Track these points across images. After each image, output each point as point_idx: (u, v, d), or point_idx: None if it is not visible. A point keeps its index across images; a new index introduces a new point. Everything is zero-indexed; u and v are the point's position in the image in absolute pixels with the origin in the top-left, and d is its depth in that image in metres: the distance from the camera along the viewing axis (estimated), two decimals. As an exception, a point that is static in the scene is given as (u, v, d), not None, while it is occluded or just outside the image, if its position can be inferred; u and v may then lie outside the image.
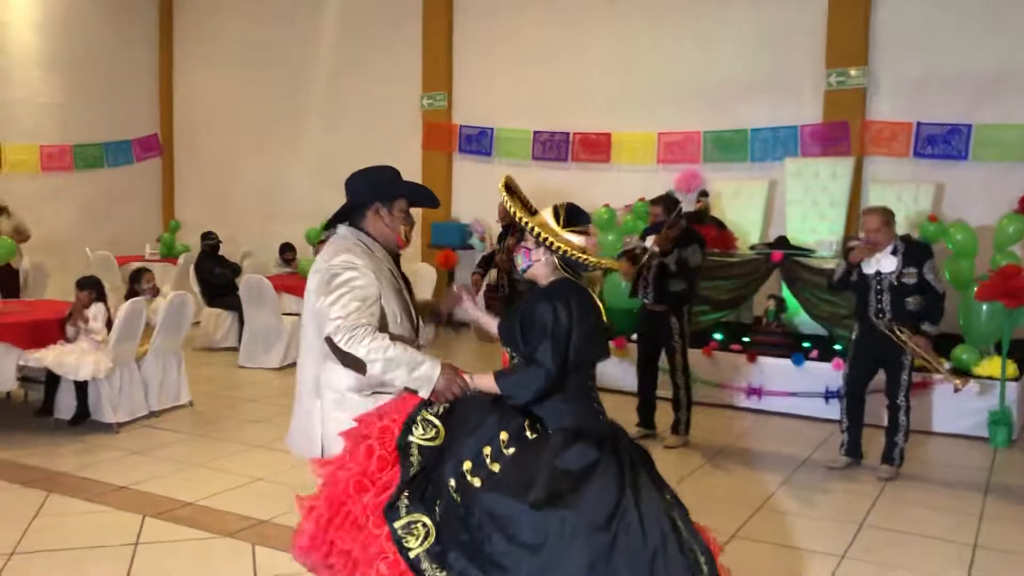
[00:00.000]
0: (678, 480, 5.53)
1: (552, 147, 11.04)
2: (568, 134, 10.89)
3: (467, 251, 11.50)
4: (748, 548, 4.49)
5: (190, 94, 14.05)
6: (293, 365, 8.77)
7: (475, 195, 11.54)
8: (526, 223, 2.83)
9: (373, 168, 3.13)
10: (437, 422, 2.77)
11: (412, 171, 11.61)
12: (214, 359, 9.06)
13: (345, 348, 2.76)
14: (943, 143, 8.98)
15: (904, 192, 8.54)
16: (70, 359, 6.16)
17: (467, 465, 2.65)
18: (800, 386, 7.15)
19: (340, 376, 2.93)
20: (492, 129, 11.42)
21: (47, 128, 12.34)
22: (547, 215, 2.91)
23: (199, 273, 9.71)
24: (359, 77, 12.35)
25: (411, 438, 2.73)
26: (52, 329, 6.39)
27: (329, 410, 2.97)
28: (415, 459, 2.69)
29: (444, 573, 2.52)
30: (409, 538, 2.57)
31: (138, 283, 6.90)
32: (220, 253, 9.94)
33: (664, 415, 6.50)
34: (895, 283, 5.51)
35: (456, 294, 3.26)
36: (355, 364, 2.81)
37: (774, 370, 7.31)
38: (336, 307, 2.80)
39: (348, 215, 3.09)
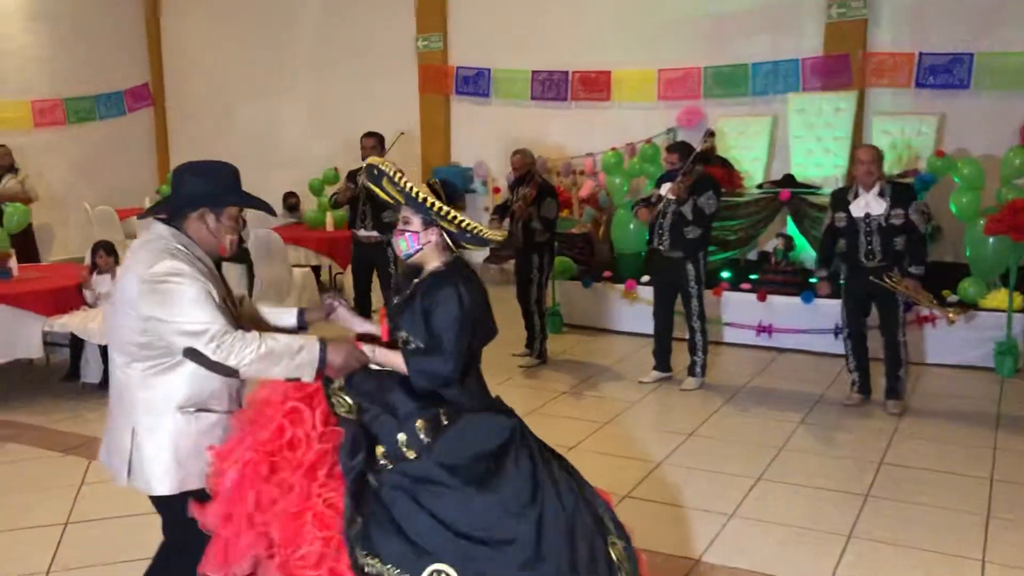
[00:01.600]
0: (700, 423, 5.70)
1: (551, 86, 10.96)
2: (567, 73, 10.80)
3: (470, 195, 11.49)
4: (776, 490, 4.66)
5: (178, 41, 13.81)
6: (306, 317, 8.94)
7: (475, 138, 11.50)
8: (439, 208, 2.68)
9: (208, 167, 2.79)
10: (346, 396, 2.70)
11: (409, 115, 11.59)
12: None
13: (215, 359, 2.53)
14: (945, 73, 8.97)
15: (907, 125, 8.57)
16: (94, 324, 6.21)
17: (380, 450, 2.61)
18: (809, 323, 7.29)
19: (157, 392, 2.65)
20: (489, 70, 11.32)
21: (37, 82, 12.13)
22: (426, 194, 2.77)
23: (205, 228, 9.69)
24: (352, 20, 12.16)
25: (339, 412, 2.65)
26: (72, 294, 6.45)
27: (143, 431, 2.67)
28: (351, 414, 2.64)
29: (375, 559, 2.45)
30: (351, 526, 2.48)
31: (97, 256, 6.63)
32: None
33: (680, 357, 6.65)
34: (883, 224, 5.61)
35: (330, 305, 3.09)
36: (224, 371, 2.58)
37: (783, 308, 7.44)
38: (185, 315, 2.53)
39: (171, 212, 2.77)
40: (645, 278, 7.75)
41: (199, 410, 2.69)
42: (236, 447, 2.59)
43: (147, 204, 11.77)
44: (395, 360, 2.72)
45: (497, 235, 2.83)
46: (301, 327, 3.05)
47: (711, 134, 8.84)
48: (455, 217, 2.71)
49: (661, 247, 6.36)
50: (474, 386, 2.81)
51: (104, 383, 6.39)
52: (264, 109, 12.91)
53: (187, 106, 13.83)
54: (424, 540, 2.46)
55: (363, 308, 7.41)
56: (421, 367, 2.68)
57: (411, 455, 2.60)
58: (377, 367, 2.76)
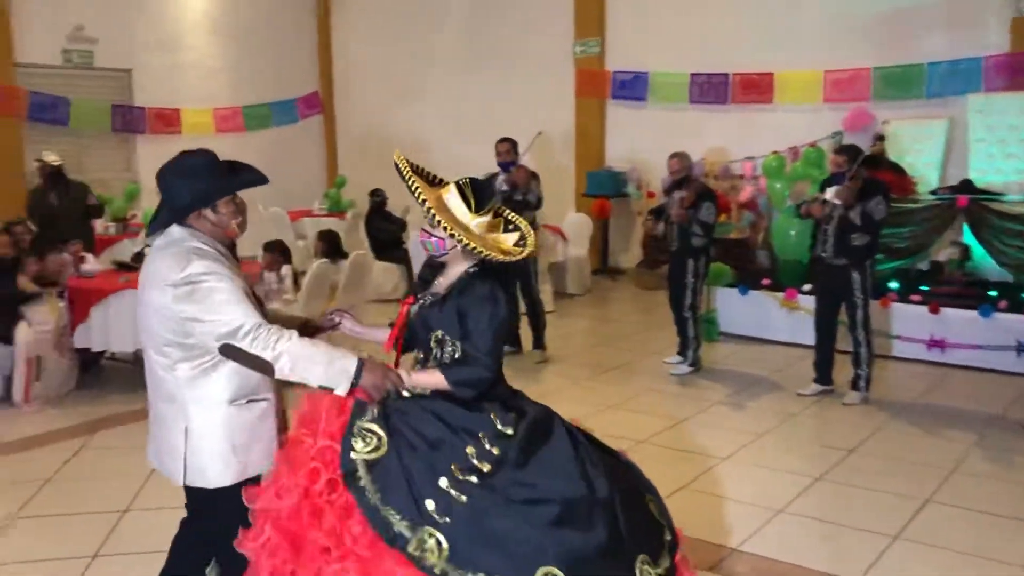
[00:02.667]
0: (862, 439, 5.44)
1: (710, 89, 10.74)
2: (727, 75, 10.56)
3: (622, 200, 11.44)
4: (944, 513, 4.39)
5: (346, 50, 14.42)
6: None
7: (629, 142, 11.43)
8: (454, 233, 2.67)
9: (187, 166, 2.72)
10: (377, 428, 2.62)
11: (565, 119, 11.66)
12: (387, 311, 9.42)
13: (250, 350, 2.55)
14: None
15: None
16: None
17: (454, 465, 2.57)
18: (988, 338, 6.81)
19: (209, 388, 2.69)
20: (647, 73, 11.21)
21: (219, 92, 12.99)
22: (452, 197, 2.77)
23: (368, 229, 10.12)
24: (510, 27, 12.34)
25: (353, 455, 2.59)
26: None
27: (197, 427, 2.70)
28: (366, 482, 2.55)
29: (479, 573, 2.44)
30: (426, 555, 2.45)
31: (267, 254, 6.94)
32: (387, 209, 10.32)
33: (842, 370, 6.36)
34: None
35: (333, 321, 3.06)
36: (260, 366, 2.60)
37: (958, 321, 6.97)
38: (221, 311, 2.56)
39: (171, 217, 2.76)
40: (807, 286, 7.46)
41: (249, 400, 2.73)
42: (267, 492, 2.62)
43: (316, 206, 12.36)
44: (432, 380, 2.72)
45: (507, 256, 2.76)
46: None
47: (881, 137, 8.48)
48: (471, 246, 2.67)
49: (824, 254, 6.11)
50: (499, 382, 2.81)
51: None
52: (423, 115, 13.29)
53: (353, 113, 14.43)
54: (524, 545, 2.47)
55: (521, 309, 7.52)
56: (461, 377, 2.68)
57: (486, 467, 2.58)
58: (409, 393, 2.72)
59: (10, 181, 10.24)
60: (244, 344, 2.55)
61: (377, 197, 10.27)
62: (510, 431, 2.65)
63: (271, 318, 2.79)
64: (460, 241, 2.68)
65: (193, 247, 2.67)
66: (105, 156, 12.02)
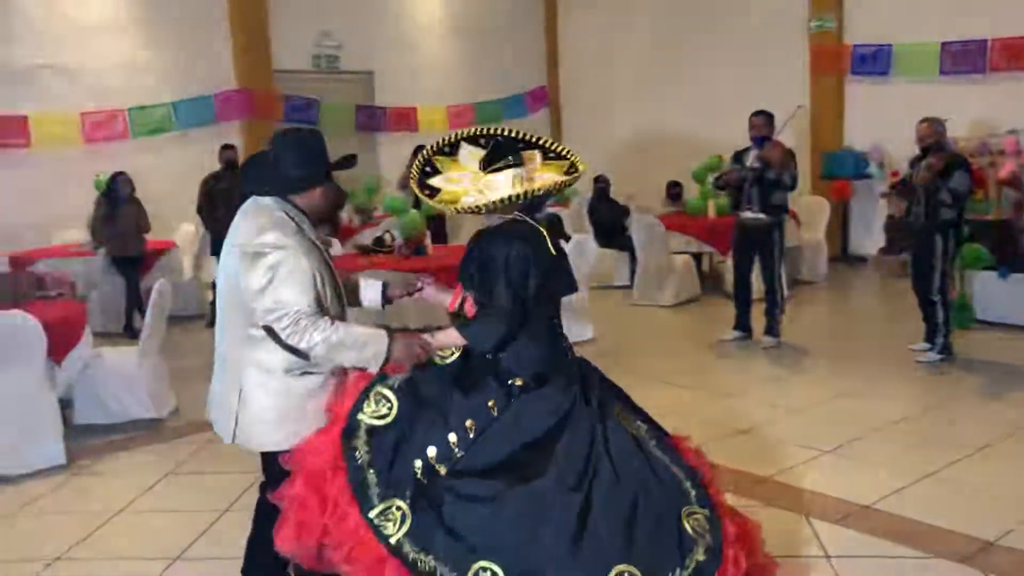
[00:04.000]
0: None
1: (964, 58, 9.80)
2: (985, 41, 9.59)
3: (863, 182, 10.71)
4: None
5: (573, 43, 14.57)
6: (687, 303, 8.97)
7: (871, 120, 10.67)
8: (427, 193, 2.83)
9: (307, 145, 2.79)
10: (391, 395, 2.69)
11: (798, 98, 11.01)
12: (609, 297, 9.43)
13: (286, 340, 2.61)
14: None
15: None
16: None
17: (432, 452, 2.59)
18: None
19: (268, 354, 2.71)
20: (890, 46, 10.41)
21: (452, 90, 13.54)
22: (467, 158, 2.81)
23: (592, 215, 10.14)
24: (739, 8, 11.92)
25: (360, 416, 2.66)
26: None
27: (251, 389, 2.75)
28: (360, 445, 2.61)
29: (428, 555, 2.47)
30: (387, 524, 2.51)
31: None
32: (611, 196, 10.30)
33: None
34: None
35: (413, 284, 3.07)
36: (296, 352, 2.66)
37: None
38: (269, 295, 2.60)
39: (275, 184, 2.77)
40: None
41: (304, 372, 2.74)
42: (302, 447, 2.70)
43: (541, 197, 12.52)
44: (450, 338, 2.76)
45: (558, 186, 2.77)
46: (387, 302, 3.09)
47: None
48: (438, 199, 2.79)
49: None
50: (545, 342, 2.77)
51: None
52: (649, 101, 13.14)
53: (579, 104, 14.54)
54: (472, 536, 2.47)
55: (743, 291, 7.22)
56: (474, 332, 2.71)
57: (460, 455, 2.58)
58: (440, 356, 2.79)
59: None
60: (282, 332, 2.61)
61: (600, 183, 10.27)
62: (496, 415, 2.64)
63: (345, 281, 2.94)
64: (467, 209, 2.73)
65: (277, 216, 2.70)
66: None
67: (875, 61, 10.60)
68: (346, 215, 10.18)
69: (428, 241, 7.45)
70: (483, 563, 2.44)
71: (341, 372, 2.81)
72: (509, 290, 2.67)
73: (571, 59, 14.64)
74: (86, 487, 4.70)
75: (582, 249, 7.38)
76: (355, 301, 3.06)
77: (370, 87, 12.82)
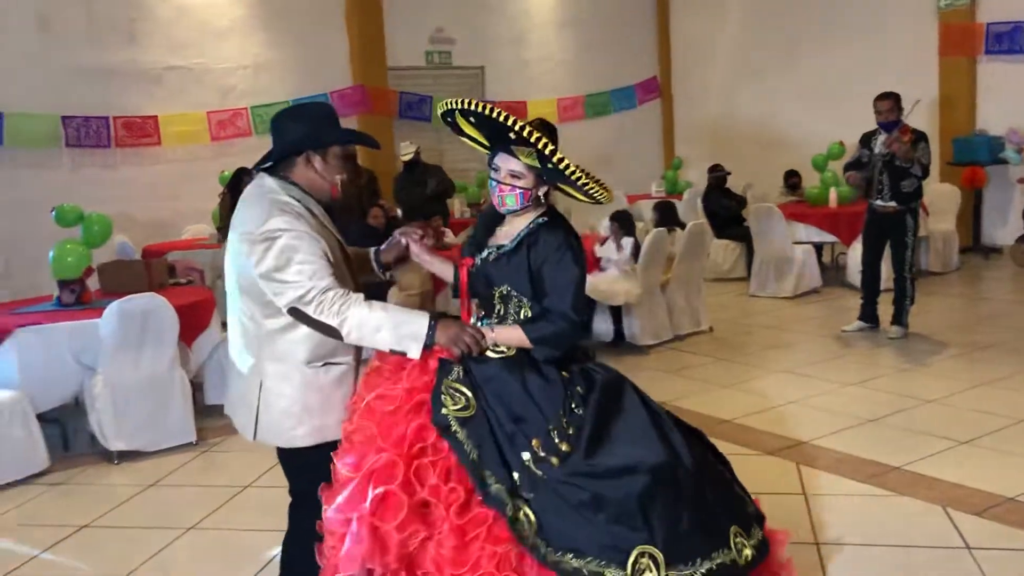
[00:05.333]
0: None
1: (1112, 33, 9.15)
2: None
3: (999, 168, 10.12)
4: None
5: (685, 35, 14.30)
6: (807, 294, 8.67)
7: (1008, 102, 10.08)
8: (567, 165, 2.48)
9: (305, 108, 2.74)
10: (464, 388, 2.51)
11: (926, 82, 10.56)
12: (726, 289, 9.21)
13: (316, 317, 2.46)
14: None
15: None
16: (603, 286, 6.68)
17: (526, 456, 2.45)
18: None
19: (288, 346, 2.59)
20: (1028, 22, 9.82)
21: (562, 82, 13.50)
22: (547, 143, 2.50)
23: (707, 206, 9.92)
24: (861, -12, 11.46)
25: (445, 411, 2.47)
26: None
27: (272, 383, 2.61)
28: (462, 436, 2.45)
29: (561, 554, 2.35)
30: (520, 527, 2.38)
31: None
32: (727, 186, 10.06)
33: None
34: None
35: (396, 241, 2.87)
36: (327, 331, 2.50)
37: None
38: (290, 272, 2.47)
39: (275, 162, 2.67)
40: None
41: (327, 363, 2.62)
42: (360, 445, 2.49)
43: (654, 189, 12.40)
44: (514, 336, 2.58)
45: (608, 197, 2.62)
46: (384, 268, 2.94)
47: None
48: (575, 175, 2.49)
49: None
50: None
51: (613, 342, 6.87)
52: (765, 91, 12.76)
53: (692, 95, 14.27)
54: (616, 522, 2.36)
55: (872, 281, 6.93)
56: (544, 334, 2.55)
57: (554, 461, 2.44)
58: (496, 353, 2.59)
59: (385, 171, 11.46)
60: (310, 310, 2.48)
61: (717, 172, 10.03)
62: (581, 411, 2.52)
63: (353, 256, 2.79)
64: (561, 165, 2.48)
65: (282, 200, 2.58)
66: (462, 148, 12.71)
67: (1012, 39, 10.00)
68: (457, 209, 10.29)
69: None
70: (641, 548, 2.36)
71: (376, 356, 2.67)
72: (575, 289, 2.56)
73: (683, 49, 14.37)
74: (215, 463, 4.90)
75: (699, 233, 7.23)
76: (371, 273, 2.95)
77: (481, 82, 12.89)
